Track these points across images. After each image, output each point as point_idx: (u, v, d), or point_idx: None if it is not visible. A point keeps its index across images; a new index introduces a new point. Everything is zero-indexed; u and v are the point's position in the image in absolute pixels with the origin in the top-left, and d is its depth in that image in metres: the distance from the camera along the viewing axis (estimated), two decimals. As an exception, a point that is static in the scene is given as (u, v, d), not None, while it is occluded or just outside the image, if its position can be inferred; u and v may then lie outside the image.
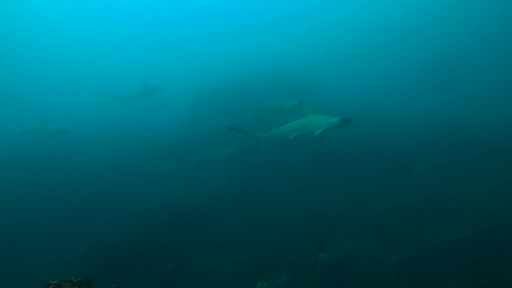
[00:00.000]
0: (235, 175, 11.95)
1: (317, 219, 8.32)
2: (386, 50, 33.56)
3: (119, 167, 14.07)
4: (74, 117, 24.57)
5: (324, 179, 10.71)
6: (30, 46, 47.63)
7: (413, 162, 10.81)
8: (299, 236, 7.69)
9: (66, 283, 2.38)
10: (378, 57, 32.25)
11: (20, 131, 15.62)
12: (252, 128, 10.44)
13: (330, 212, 8.58)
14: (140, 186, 12.51)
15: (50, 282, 2.38)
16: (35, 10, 49.09)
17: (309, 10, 47.58)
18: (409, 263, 6.31)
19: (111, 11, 52.93)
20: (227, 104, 17.24)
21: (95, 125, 21.47)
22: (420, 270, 6.18)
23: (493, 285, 5.61)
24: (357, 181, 10.08)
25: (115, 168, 13.97)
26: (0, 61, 42.40)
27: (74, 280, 2.43)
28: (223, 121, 15.30)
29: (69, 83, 38.21)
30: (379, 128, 13.32)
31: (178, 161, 13.58)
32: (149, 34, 50.80)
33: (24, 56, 45.77)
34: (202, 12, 52.41)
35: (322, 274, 6.55)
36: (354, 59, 33.13)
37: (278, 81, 18.99)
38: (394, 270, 6.38)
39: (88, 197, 11.56)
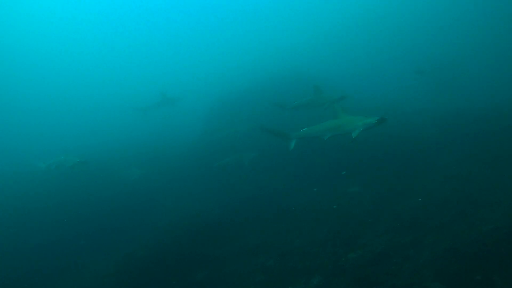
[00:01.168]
0: (257, 180, 11.96)
1: (343, 219, 8.17)
2: (398, 47, 33.03)
3: (154, 181, 14.29)
4: (99, 133, 25.49)
5: (350, 178, 10.54)
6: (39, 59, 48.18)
7: (437, 153, 10.49)
8: (327, 238, 7.56)
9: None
10: (390, 55, 31.79)
11: (45, 165, 15.41)
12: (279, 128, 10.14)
13: (356, 211, 8.41)
14: (166, 198, 12.72)
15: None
16: (39, 19, 50.01)
17: (322, 9, 47.09)
18: (444, 257, 6.06)
19: (126, 17, 53.86)
20: (245, 109, 17.38)
21: (123, 138, 22.13)
22: (457, 264, 5.92)
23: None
24: (381, 177, 9.87)
25: (150, 183, 14.19)
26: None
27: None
28: (242, 127, 15.41)
29: (85, 96, 39.15)
30: (399, 122, 13.05)
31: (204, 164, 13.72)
32: (166, 41, 51.67)
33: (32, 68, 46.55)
34: (217, 18, 53.12)
35: (353, 275, 6.39)
36: (367, 56, 32.75)
37: (296, 82, 19.02)
38: (429, 266, 6.14)
39: (121, 213, 11.85)
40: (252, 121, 15.52)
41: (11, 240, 11.23)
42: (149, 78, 41.04)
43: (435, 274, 6.00)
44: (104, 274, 8.83)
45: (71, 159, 12.70)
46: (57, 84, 43.62)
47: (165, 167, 15.23)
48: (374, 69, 29.06)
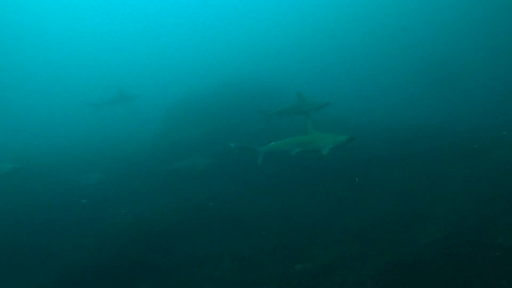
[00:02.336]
0: (210, 188, 11.73)
1: (294, 230, 8.20)
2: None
3: (111, 187, 13.40)
4: (49, 133, 23.92)
5: (301, 189, 10.64)
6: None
7: (388, 167, 10.92)
8: (276, 248, 7.53)
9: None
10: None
11: None
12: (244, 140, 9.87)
13: (307, 222, 8.47)
14: (117, 204, 12.07)
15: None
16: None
17: (297, 10, 47.39)
18: (386, 269, 6.23)
19: (80, 9, 51.10)
20: (204, 114, 17.13)
21: (77, 138, 20.88)
22: (397, 276, 6.11)
23: (468, 285, 5.59)
24: (334, 189, 10.06)
25: (107, 188, 13.29)
26: None
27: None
28: (197, 132, 15.16)
29: (34, 92, 36.37)
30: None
31: (156, 168, 13.22)
32: (125, 39, 49.91)
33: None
34: (179, 20, 52.33)
35: (300, 286, 6.38)
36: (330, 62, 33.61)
37: (257, 90, 19.09)
38: (371, 278, 6.28)
39: (66, 221, 11.01)
40: (210, 125, 15.33)
41: None
42: (104, 74, 39.17)
43: (377, 285, 6.14)
44: (38, 287, 8.15)
45: (4, 166, 11.05)
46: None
47: (123, 171, 14.49)
48: (337, 76, 29.81)
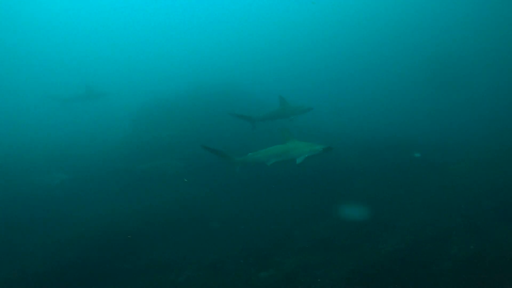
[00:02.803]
0: (178, 191, 11.54)
1: (260, 237, 8.20)
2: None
3: (76, 188, 12.77)
4: (14, 128, 22.69)
5: (270, 195, 10.69)
6: None
7: (354, 176, 11.19)
8: (241, 255, 7.50)
9: None
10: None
11: None
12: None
13: (273, 230, 8.51)
14: (80, 207, 11.58)
15: None
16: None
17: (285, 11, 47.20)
18: (348, 278, 6.36)
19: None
20: (175, 116, 16.88)
21: (43, 135, 19.86)
22: (358, 285, 6.25)
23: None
24: (301, 196, 10.18)
25: (72, 189, 12.65)
26: None
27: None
28: (168, 133, 14.94)
29: None
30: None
31: (124, 169, 12.83)
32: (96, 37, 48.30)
33: None
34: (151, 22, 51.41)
35: (263, 294, 6.39)
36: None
37: (231, 94, 19.03)
38: (334, 286, 6.39)
39: (21, 225, 10.39)
40: (181, 128, 15.13)
41: None
42: (77, 70, 37.72)
43: (338, 294, 6.25)
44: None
45: None
46: None
47: (89, 171, 13.95)
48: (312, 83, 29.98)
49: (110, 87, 23.00)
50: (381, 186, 10.40)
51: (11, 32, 43.84)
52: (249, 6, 49.42)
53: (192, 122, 15.99)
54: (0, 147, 17.56)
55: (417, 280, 5.98)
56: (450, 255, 6.22)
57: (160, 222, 9.71)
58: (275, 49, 40.91)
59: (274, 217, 9.30)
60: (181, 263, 7.89)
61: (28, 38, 44.56)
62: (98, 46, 47.02)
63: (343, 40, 39.08)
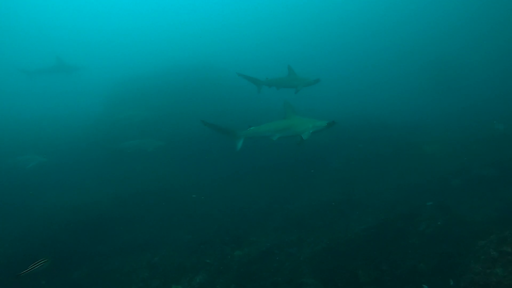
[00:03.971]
0: (156, 172, 11.39)
1: (236, 217, 8.26)
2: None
3: (51, 170, 12.23)
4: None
5: (247, 176, 10.71)
6: None
7: (330, 157, 11.35)
8: (217, 234, 7.53)
9: None
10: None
11: None
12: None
13: (249, 209, 8.57)
14: (53, 188, 11.24)
15: None
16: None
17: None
18: (321, 255, 6.52)
19: None
20: (151, 95, 16.39)
21: (13, 113, 18.79)
22: (331, 262, 6.41)
23: (392, 268, 6.04)
24: (277, 177, 10.25)
25: (48, 172, 12.08)
26: None
27: None
28: (144, 113, 14.53)
29: None
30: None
31: (101, 147, 12.42)
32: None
33: None
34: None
35: (237, 272, 6.47)
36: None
37: (209, 76, 18.60)
38: (307, 263, 6.53)
39: None
40: (157, 107, 14.76)
41: None
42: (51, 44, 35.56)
43: (312, 271, 6.41)
44: None
45: None
46: None
47: (65, 152, 13.39)
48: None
49: (83, 61, 21.90)
50: (356, 166, 10.61)
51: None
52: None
53: (169, 101, 15.63)
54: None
55: (387, 255, 6.20)
56: (418, 231, 6.45)
57: (137, 203, 9.59)
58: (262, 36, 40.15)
59: (250, 197, 9.35)
60: (157, 244, 7.87)
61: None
62: (73, 18, 44.62)
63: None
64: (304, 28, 40.32)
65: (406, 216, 7.13)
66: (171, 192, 10.08)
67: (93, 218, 8.95)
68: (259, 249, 6.97)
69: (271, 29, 41.12)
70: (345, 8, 40.85)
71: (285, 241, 7.21)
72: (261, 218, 8.18)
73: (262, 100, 14.95)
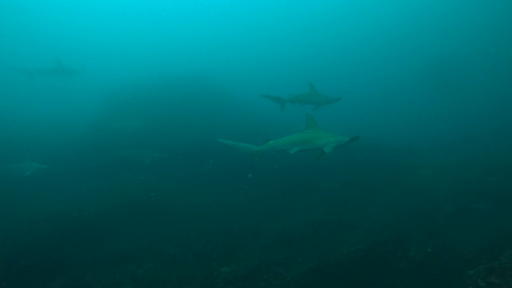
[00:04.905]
0: (149, 182, 11.26)
1: (225, 232, 8.13)
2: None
3: (49, 178, 11.97)
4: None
5: (239, 191, 10.62)
6: None
7: (323, 176, 11.32)
8: (204, 249, 7.40)
9: None
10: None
11: None
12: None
13: (239, 225, 8.45)
14: (32, 193, 11.00)
15: None
16: None
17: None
18: (308, 276, 6.41)
19: None
20: (148, 105, 16.40)
21: (8, 117, 18.54)
22: (318, 283, 6.32)
23: (380, 294, 5.96)
24: (269, 194, 10.18)
25: (46, 179, 11.78)
26: None
27: None
28: (139, 124, 14.49)
29: None
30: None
31: (97, 154, 12.26)
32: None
33: None
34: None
35: (223, 289, 6.33)
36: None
37: (202, 84, 18.68)
38: (294, 284, 6.42)
39: None
40: (153, 118, 14.72)
41: None
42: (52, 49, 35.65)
43: (298, 291, 6.29)
44: None
45: None
46: None
47: (56, 158, 13.14)
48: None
49: (82, 65, 21.89)
50: (348, 187, 10.57)
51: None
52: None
53: (164, 112, 15.61)
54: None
55: (375, 280, 6.12)
56: (407, 256, 6.40)
57: (126, 212, 9.41)
58: (262, 46, 40.55)
59: (241, 212, 9.25)
60: (143, 255, 7.70)
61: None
62: (75, 23, 44.91)
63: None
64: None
65: (396, 240, 7.10)
66: (160, 204, 9.94)
67: (80, 226, 8.76)
68: (247, 266, 6.85)
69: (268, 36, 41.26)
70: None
71: (273, 260, 7.10)
72: (250, 235, 8.07)
73: (257, 112, 14.99)
